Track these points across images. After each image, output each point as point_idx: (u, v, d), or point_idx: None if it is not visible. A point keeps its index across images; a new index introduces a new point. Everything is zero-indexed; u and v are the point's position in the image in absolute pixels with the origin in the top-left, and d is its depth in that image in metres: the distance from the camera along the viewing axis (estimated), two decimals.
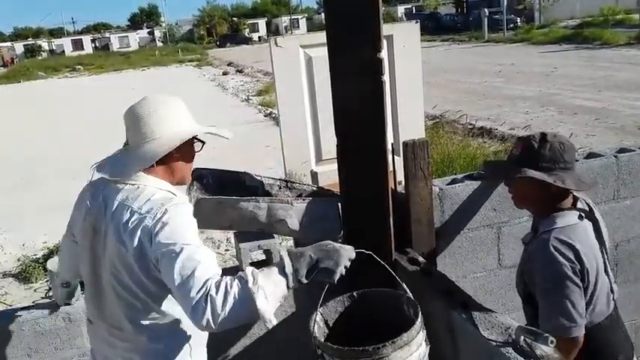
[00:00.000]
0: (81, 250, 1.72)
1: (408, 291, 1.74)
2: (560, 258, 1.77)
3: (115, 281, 1.61)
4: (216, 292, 1.39)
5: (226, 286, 1.40)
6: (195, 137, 1.70)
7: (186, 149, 1.68)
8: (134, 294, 1.59)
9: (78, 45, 68.50)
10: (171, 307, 1.61)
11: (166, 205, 1.54)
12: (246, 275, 1.44)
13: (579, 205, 1.92)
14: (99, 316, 1.71)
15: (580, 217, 1.87)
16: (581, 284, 1.79)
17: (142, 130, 1.60)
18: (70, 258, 1.87)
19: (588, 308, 1.85)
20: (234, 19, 76.45)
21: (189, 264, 1.43)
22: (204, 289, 1.40)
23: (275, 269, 1.51)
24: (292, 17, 70.99)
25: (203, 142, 1.75)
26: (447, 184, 2.65)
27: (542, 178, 1.79)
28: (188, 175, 1.77)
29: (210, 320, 1.38)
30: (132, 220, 1.54)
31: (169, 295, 1.58)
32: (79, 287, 2.20)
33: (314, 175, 2.77)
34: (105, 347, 1.74)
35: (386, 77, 2.12)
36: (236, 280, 1.42)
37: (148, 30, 78.96)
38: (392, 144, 2.35)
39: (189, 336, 1.68)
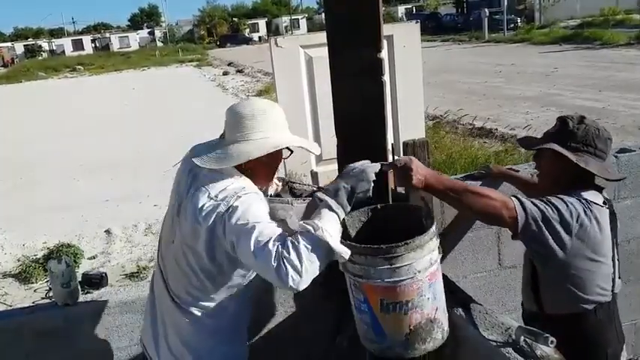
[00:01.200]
0: (167, 217, 1.83)
1: (427, 204, 1.87)
2: (573, 204, 1.74)
3: (180, 253, 1.72)
4: (289, 253, 1.47)
5: (293, 243, 1.49)
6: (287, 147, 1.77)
7: (273, 156, 1.75)
8: (194, 271, 1.70)
9: (78, 45, 68.45)
10: (224, 290, 1.75)
11: (239, 192, 1.62)
12: (305, 226, 1.53)
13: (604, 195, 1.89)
14: (164, 281, 1.80)
15: (604, 203, 1.85)
16: (562, 230, 1.74)
17: (241, 129, 1.68)
18: None
19: (585, 287, 1.85)
20: (235, 19, 76.45)
21: (262, 238, 1.52)
22: (277, 255, 1.48)
23: (325, 210, 1.59)
24: (292, 17, 71.00)
25: (291, 151, 1.80)
26: None
27: (564, 153, 1.78)
28: (269, 181, 1.87)
29: (296, 278, 1.46)
30: (207, 204, 1.62)
31: (224, 280, 1.72)
32: (79, 287, 2.20)
33: (314, 175, 2.78)
34: (163, 315, 1.82)
35: (386, 77, 2.12)
36: (298, 236, 1.51)
37: (148, 30, 78.94)
38: (392, 144, 2.35)
39: (237, 316, 1.83)
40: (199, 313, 1.76)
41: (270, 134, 1.69)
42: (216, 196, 1.63)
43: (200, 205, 1.63)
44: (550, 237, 1.74)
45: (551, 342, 1.54)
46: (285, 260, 1.46)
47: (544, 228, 1.73)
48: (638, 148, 2.89)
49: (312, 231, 1.50)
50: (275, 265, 1.46)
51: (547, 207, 1.74)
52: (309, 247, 1.48)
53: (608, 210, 1.87)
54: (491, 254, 2.76)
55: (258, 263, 1.51)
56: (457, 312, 1.87)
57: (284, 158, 1.82)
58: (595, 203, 1.81)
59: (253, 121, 1.68)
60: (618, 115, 9.82)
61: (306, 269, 1.46)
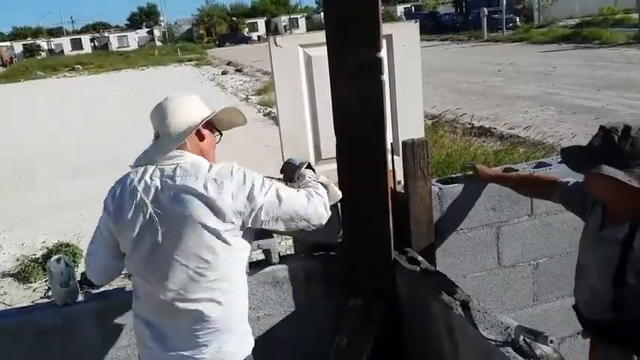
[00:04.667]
0: (128, 241, 1.78)
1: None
2: None
3: (179, 249, 1.72)
4: (324, 198, 1.96)
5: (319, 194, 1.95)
6: (217, 129, 1.96)
7: (207, 136, 1.89)
8: (199, 256, 1.72)
9: (77, 44, 68.39)
10: (229, 270, 1.79)
11: (233, 169, 1.78)
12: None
13: None
14: (162, 291, 1.77)
15: None
16: None
17: (169, 119, 1.82)
18: (108, 259, 1.88)
19: None
20: (234, 18, 76.37)
21: (284, 193, 1.83)
22: (319, 202, 1.93)
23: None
24: (291, 16, 70.95)
25: (221, 134, 1.98)
26: (447, 184, 2.65)
27: (616, 176, 1.70)
28: (213, 160, 1.92)
29: (324, 209, 1.94)
30: (207, 185, 1.70)
31: (230, 258, 1.78)
32: (78, 287, 2.20)
33: None
34: (165, 320, 1.80)
35: (385, 77, 2.12)
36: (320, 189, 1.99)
37: (147, 29, 78.86)
38: (391, 143, 2.35)
39: (243, 300, 1.88)
40: (208, 301, 1.77)
41: (196, 113, 1.85)
42: (211, 176, 1.72)
43: (196, 189, 1.69)
44: None
45: (551, 341, 1.54)
46: (325, 205, 1.94)
47: None
48: None
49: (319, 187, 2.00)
50: (324, 209, 1.93)
51: None
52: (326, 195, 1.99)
53: None
54: (490, 253, 2.76)
55: (301, 214, 1.85)
56: (456, 311, 1.87)
57: (217, 142, 1.95)
58: None
59: (178, 109, 1.84)
60: (617, 115, 9.82)
61: (326, 204, 1.96)
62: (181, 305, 1.76)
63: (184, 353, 1.78)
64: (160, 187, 1.73)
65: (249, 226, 1.79)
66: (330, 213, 1.96)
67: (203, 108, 1.90)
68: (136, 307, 1.89)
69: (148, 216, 1.72)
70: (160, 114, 1.84)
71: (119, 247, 1.82)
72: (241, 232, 1.78)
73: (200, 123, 1.82)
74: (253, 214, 1.77)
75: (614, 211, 1.88)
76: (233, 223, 1.73)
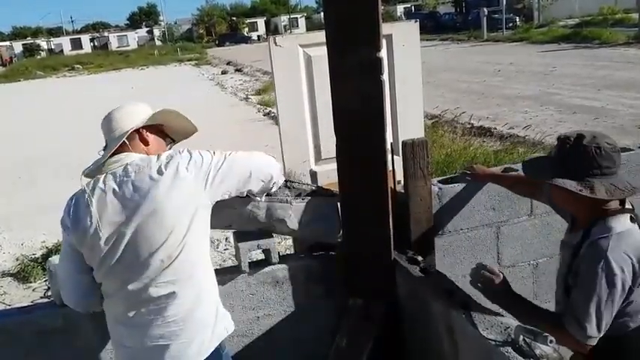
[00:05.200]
0: (94, 250, 1.78)
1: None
2: (617, 270, 1.68)
3: (148, 239, 1.73)
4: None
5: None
6: (169, 137, 2.02)
7: (152, 141, 1.93)
8: (165, 241, 1.74)
9: (77, 44, 68.34)
10: (196, 253, 1.82)
11: (180, 149, 1.85)
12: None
13: (627, 205, 1.81)
14: (136, 284, 1.77)
15: (632, 220, 1.78)
16: (620, 302, 1.72)
17: (114, 125, 1.88)
18: (75, 274, 1.87)
19: (632, 311, 1.79)
20: (233, 18, 76.36)
21: (230, 154, 1.92)
22: (251, 154, 2.01)
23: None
24: (291, 16, 70.93)
25: (174, 141, 2.05)
26: (447, 184, 2.65)
27: (565, 186, 1.71)
28: (164, 147, 1.99)
29: (269, 157, 2.06)
30: (161, 169, 1.76)
31: (195, 240, 1.79)
32: None
33: (313, 175, 2.77)
34: (140, 314, 1.79)
35: (385, 76, 2.12)
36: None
37: (147, 29, 78.82)
38: (391, 143, 2.35)
39: (212, 282, 1.91)
40: (192, 294, 1.80)
41: (139, 115, 1.91)
42: (164, 168, 1.76)
43: (156, 185, 1.73)
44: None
45: (550, 341, 1.54)
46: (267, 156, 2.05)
47: (613, 309, 1.71)
48: (637, 148, 2.90)
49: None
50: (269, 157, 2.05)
51: (602, 298, 1.69)
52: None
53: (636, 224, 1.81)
54: (490, 254, 2.76)
55: (258, 160, 1.99)
56: (456, 311, 1.87)
57: (167, 148, 1.99)
58: (625, 231, 1.74)
59: (120, 114, 1.91)
60: (617, 115, 9.83)
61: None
62: (154, 291, 1.76)
63: (162, 343, 1.78)
64: (116, 188, 1.76)
65: (210, 197, 1.84)
66: (277, 162, 2.11)
67: (148, 113, 1.94)
68: (109, 311, 1.89)
69: (108, 219, 1.74)
70: (106, 122, 1.91)
71: (84, 260, 1.82)
72: (203, 211, 1.82)
73: (140, 124, 1.87)
74: (209, 180, 1.81)
75: (577, 218, 1.90)
76: (195, 198, 1.78)
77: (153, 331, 1.79)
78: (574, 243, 1.84)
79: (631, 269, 1.70)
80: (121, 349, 1.90)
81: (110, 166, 1.81)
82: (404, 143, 2.36)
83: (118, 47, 65.55)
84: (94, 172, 1.86)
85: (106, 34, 76.13)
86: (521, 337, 1.62)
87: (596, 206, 1.76)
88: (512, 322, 1.74)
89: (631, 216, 1.79)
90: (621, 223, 1.75)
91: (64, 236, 1.84)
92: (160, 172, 1.75)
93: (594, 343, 1.72)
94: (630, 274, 1.70)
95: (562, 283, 1.92)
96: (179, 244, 1.75)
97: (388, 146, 2.18)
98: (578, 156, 1.73)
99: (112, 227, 1.74)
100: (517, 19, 35.47)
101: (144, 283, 1.76)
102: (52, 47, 68.23)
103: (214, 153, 1.88)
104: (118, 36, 73.21)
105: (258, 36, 65.01)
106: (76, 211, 1.79)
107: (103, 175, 1.80)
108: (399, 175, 2.46)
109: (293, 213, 2.21)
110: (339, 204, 2.26)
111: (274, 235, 2.29)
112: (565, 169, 1.74)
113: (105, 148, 1.89)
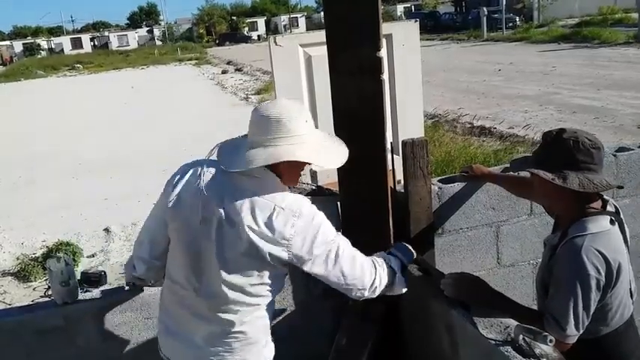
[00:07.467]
0: (178, 227, 1.73)
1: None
2: (590, 269, 1.68)
3: (228, 262, 1.66)
4: (381, 279, 1.82)
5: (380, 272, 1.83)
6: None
7: (297, 171, 1.77)
8: (244, 274, 1.68)
9: (77, 43, 68.38)
10: (267, 289, 1.74)
11: (304, 206, 1.66)
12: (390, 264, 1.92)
13: (609, 207, 1.83)
14: (195, 289, 1.74)
15: (611, 222, 1.79)
16: (597, 299, 1.72)
17: (274, 131, 1.62)
18: (157, 236, 1.86)
19: (607, 314, 1.80)
20: (234, 17, 76.36)
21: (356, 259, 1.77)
22: (371, 277, 1.79)
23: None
24: (291, 16, 70.93)
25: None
26: (446, 183, 2.65)
27: (542, 176, 1.74)
28: (296, 182, 1.85)
29: (368, 291, 1.80)
30: (272, 215, 1.61)
31: (271, 279, 1.72)
32: (78, 286, 2.20)
33: (313, 174, 2.78)
34: (189, 318, 1.78)
35: (385, 76, 2.12)
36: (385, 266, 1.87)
37: (147, 29, 78.84)
38: (391, 143, 2.35)
39: (270, 312, 1.83)
40: (236, 316, 1.74)
41: (295, 140, 1.63)
42: (282, 207, 1.62)
43: (264, 215, 1.61)
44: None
45: (550, 340, 1.54)
46: (375, 286, 1.79)
47: (590, 307, 1.71)
48: (637, 147, 2.90)
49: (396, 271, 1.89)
50: (369, 285, 1.77)
51: (578, 297, 1.69)
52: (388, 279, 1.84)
53: (617, 225, 1.81)
54: (490, 253, 2.76)
55: (352, 279, 1.74)
56: (456, 311, 1.87)
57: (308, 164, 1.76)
58: (602, 232, 1.75)
59: (291, 124, 1.62)
60: (617, 114, 9.83)
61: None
62: (213, 313, 1.73)
63: (207, 355, 1.77)
64: (224, 198, 1.64)
65: (294, 262, 1.69)
66: (374, 296, 1.81)
67: (310, 150, 1.67)
68: (168, 301, 1.85)
69: (205, 219, 1.66)
70: (267, 125, 1.63)
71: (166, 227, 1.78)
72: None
73: (297, 160, 1.64)
74: (304, 259, 1.67)
75: (559, 217, 1.92)
76: (285, 254, 1.65)
77: (199, 342, 1.78)
78: (553, 243, 1.87)
79: (605, 269, 1.70)
80: (166, 338, 1.87)
81: (234, 167, 1.65)
82: (404, 143, 2.36)
83: (119, 47, 65.59)
84: (224, 161, 1.68)
85: (106, 33, 76.18)
86: (521, 336, 1.62)
87: (576, 206, 1.79)
88: (512, 321, 1.74)
89: (611, 218, 1.80)
90: (599, 224, 1.76)
91: (161, 197, 1.77)
92: (270, 216, 1.61)
93: (574, 341, 1.73)
94: (604, 273, 1.70)
95: (540, 281, 1.94)
96: (253, 283, 1.70)
97: (388, 146, 2.18)
98: (556, 148, 1.77)
99: (200, 229, 1.67)
100: (517, 19, 35.45)
101: (208, 302, 1.72)
102: (53, 47, 68.27)
103: (335, 239, 1.70)
104: (118, 35, 73.21)
105: (259, 35, 65.01)
106: (187, 187, 1.71)
107: (224, 173, 1.67)
108: (399, 175, 2.46)
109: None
110: (339, 203, 2.27)
111: None
112: (544, 161, 1.78)
113: (248, 144, 1.67)
